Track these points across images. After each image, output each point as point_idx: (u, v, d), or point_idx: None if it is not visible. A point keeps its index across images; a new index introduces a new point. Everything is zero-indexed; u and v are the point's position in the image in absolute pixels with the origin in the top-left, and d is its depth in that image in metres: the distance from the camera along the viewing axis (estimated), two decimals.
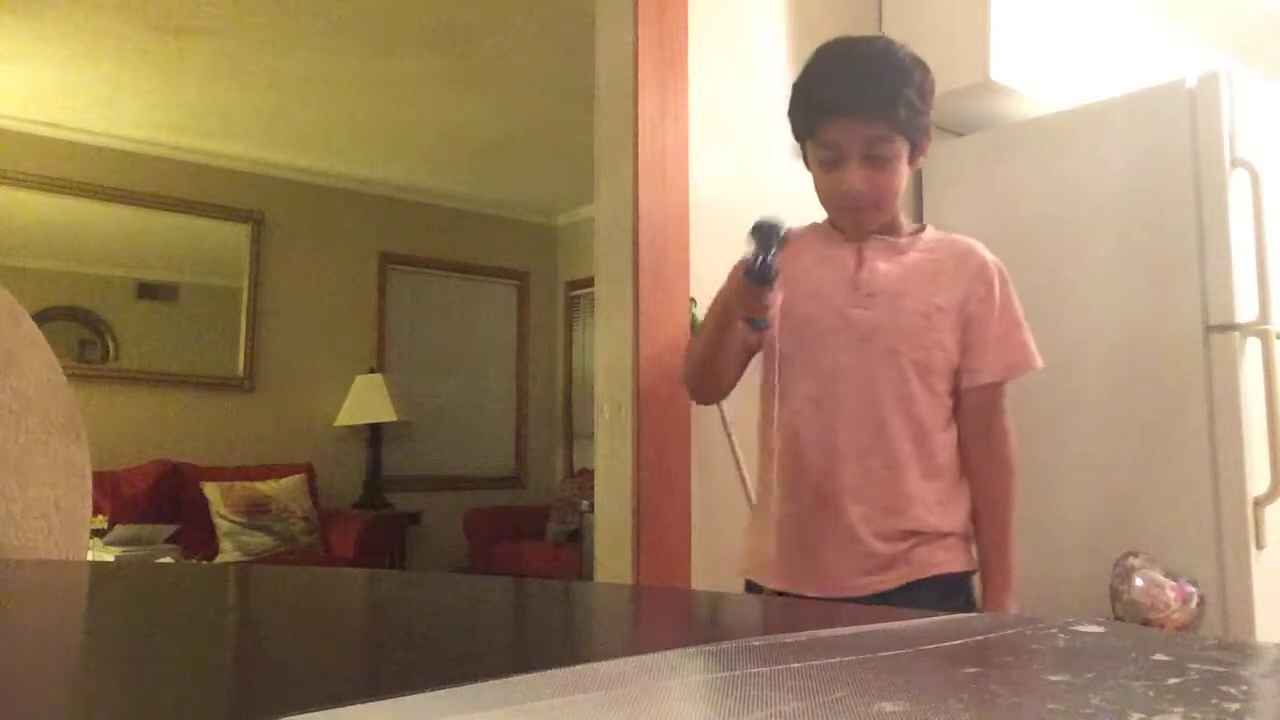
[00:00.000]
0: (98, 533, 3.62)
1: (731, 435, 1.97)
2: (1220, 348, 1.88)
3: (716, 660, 0.33)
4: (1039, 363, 1.39)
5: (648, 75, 1.96)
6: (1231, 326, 1.87)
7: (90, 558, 0.90)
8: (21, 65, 3.96)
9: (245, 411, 5.09)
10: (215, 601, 0.60)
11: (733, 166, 2.10)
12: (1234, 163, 1.90)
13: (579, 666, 0.31)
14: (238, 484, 4.62)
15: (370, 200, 5.61)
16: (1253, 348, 1.88)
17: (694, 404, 1.95)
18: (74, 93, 4.23)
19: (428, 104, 4.43)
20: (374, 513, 5.07)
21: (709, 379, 1.47)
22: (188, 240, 5.01)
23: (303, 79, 4.14)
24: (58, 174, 4.59)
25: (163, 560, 3.55)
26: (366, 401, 5.24)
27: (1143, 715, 0.25)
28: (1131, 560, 1.85)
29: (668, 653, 0.34)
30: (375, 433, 5.34)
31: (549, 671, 0.30)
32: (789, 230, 1.23)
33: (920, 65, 1.33)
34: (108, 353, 4.77)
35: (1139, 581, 1.81)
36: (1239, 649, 0.37)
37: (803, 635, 0.37)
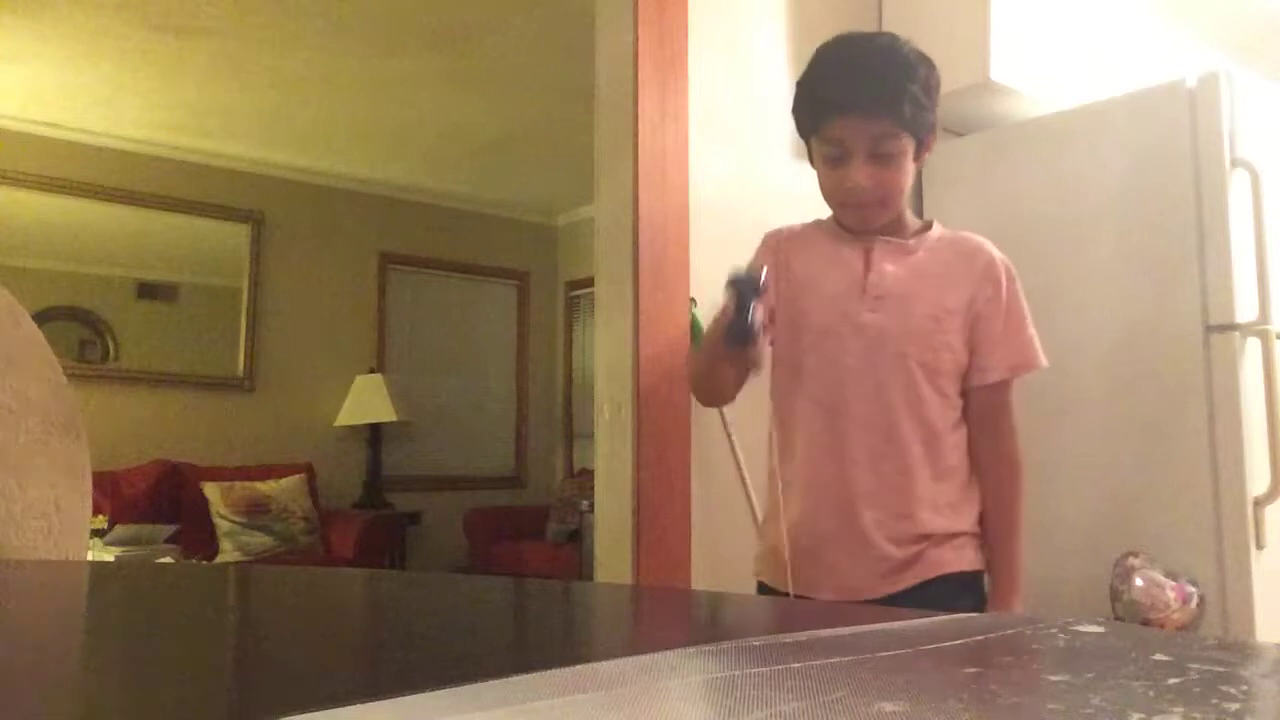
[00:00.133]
0: (98, 533, 3.62)
1: (732, 435, 1.97)
2: (1220, 348, 1.88)
3: (716, 660, 0.33)
4: (1043, 361, 1.38)
5: (648, 75, 1.95)
6: (1231, 326, 1.87)
7: (90, 558, 0.90)
8: (21, 65, 3.96)
9: (245, 411, 5.09)
10: (215, 601, 0.60)
11: (733, 166, 2.10)
12: (1234, 163, 1.90)
13: (579, 666, 0.31)
14: (238, 484, 4.62)
15: (370, 200, 5.61)
16: (1253, 348, 1.88)
17: (694, 404, 1.95)
18: (74, 93, 4.23)
19: (428, 104, 4.43)
20: (374, 513, 5.07)
21: (712, 392, 1.48)
22: (188, 240, 5.01)
23: (303, 79, 4.14)
24: (58, 174, 4.59)
25: (163, 560, 3.55)
26: (366, 401, 5.24)
27: (1143, 715, 0.25)
28: (1131, 560, 1.85)
29: (668, 653, 0.34)
30: (375, 433, 5.34)
31: (549, 671, 0.30)
32: (766, 282, 1.19)
33: (925, 61, 1.33)
34: (108, 353, 4.77)
35: (1139, 581, 1.81)
36: (1239, 649, 0.37)
37: (803, 635, 0.37)
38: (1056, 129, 2.20)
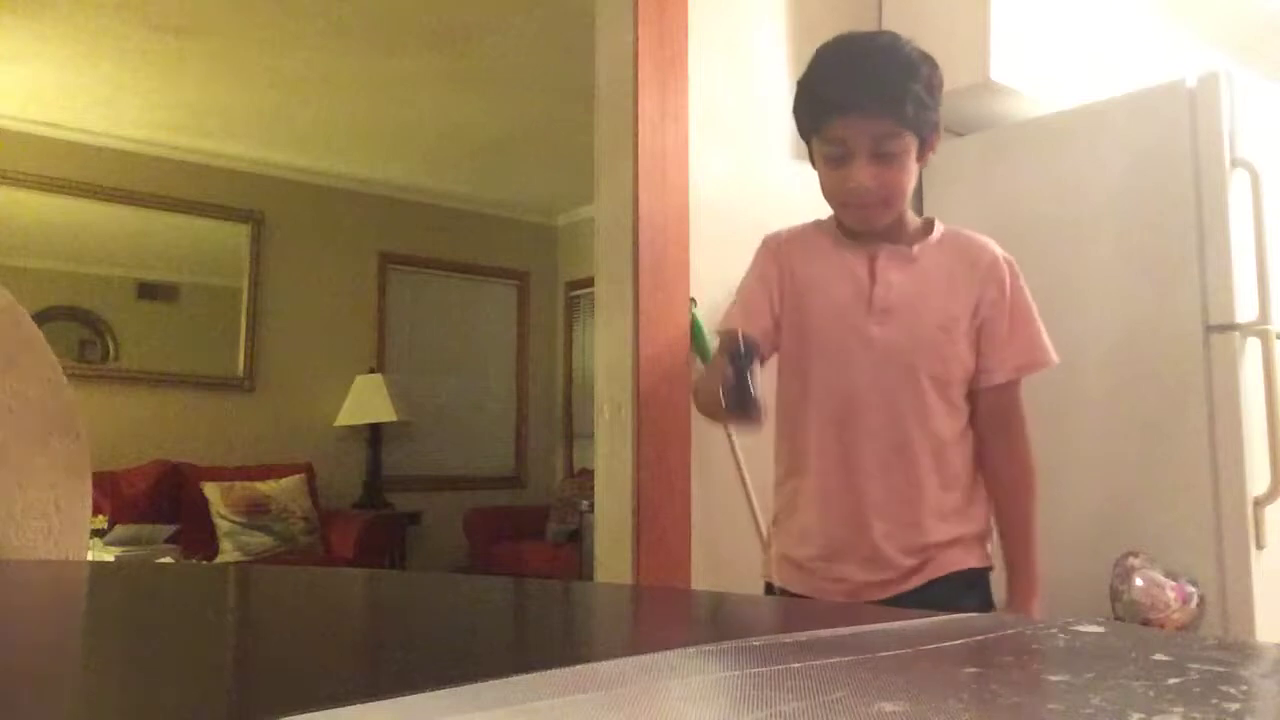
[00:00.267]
0: (98, 533, 3.62)
1: (732, 437, 1.97)
2: (1220, 348, 1.88)
3: (716, 660, 0.33)
4: (1054, 359, 1.37)
5: (648, 75, 1.95)
6: (1231, 326, 1.87)
7: (90, 558, 0.90)
8: (21, 65, 3.96)
9: (245, 411, 5.09)
10: (215, 601, 0.60)
11: (733, 166, 2.10)
12: (1234, 163, 1.90)
13: (579, 666, 0.31)
14: (238, 484, 4.62)
15: (370, 200, 5.61)
16: (1253, 348, 1.88)
17: (693, 405, 1.95)
18: (74, 93, 4.23)
19: (428, 104, 4.43)
20: (374, 513, 5.07)
21: (714, 421, 1.50)
22: (188, 240, 5.01)
23: (303, 79, 4.14)
24: (58, 174, 4.59)
25: (163, 560, 3.55)
26: (366, 401, 5.24)
27: (1143, 715, 0.25)
28: (1131, 560, 1.85)
29: (668, 653, 0.34)
30: (375, 433, 5.33)
31: (549, 671, 0.30)
32: (761, 352, 1.20)
33: (928, 60, 1.31)
34: (108, 353, 4.77)
35: (1139, 581, 1.81)
36: (1239, 649, 0.37)
37: (803, 635, 0.37)
38: (1056, 129, 2.20)
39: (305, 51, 3.89)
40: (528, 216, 6.22)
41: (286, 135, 4.83)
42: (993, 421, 1.38)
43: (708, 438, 1.97)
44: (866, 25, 2.42)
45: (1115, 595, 1.84)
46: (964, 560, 1.34)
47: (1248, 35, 3.09)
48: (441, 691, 0.28)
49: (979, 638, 0.38)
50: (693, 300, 1.97)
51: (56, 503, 0.82)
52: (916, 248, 1.37)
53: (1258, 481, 1.84)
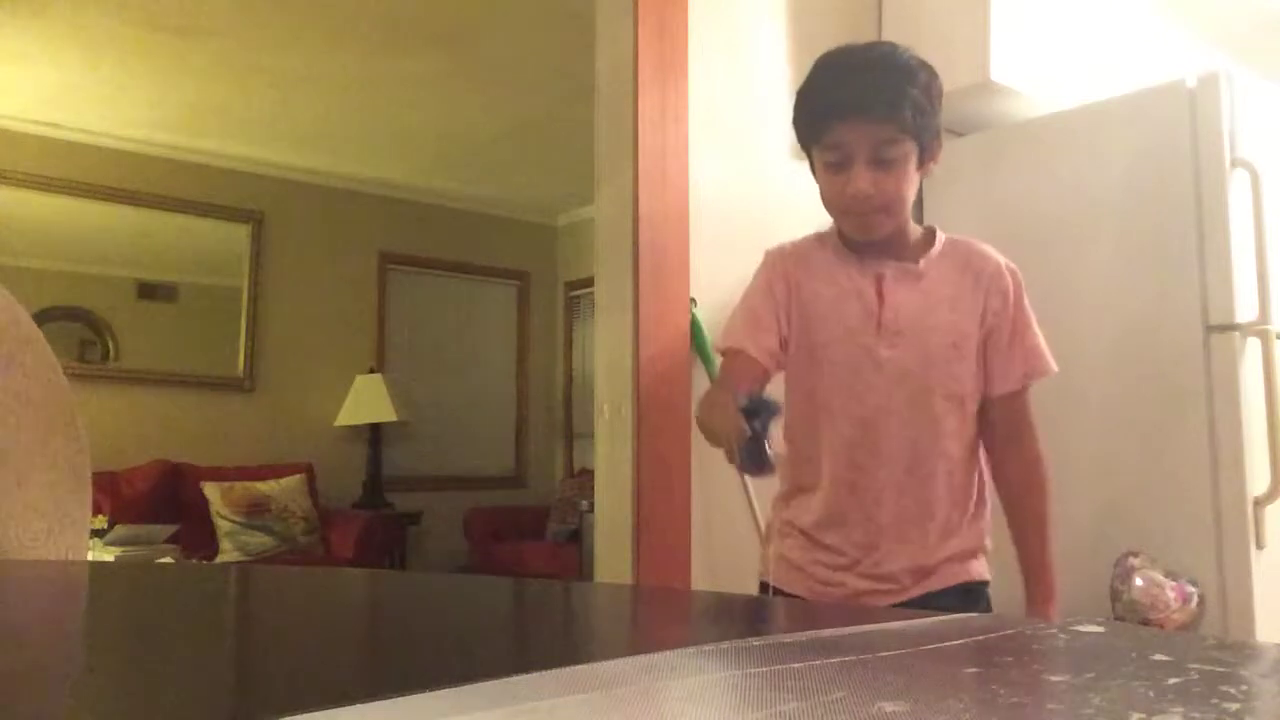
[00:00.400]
0: (98, 533, 3.62)
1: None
2: (1220, 348, 1.88)
3: (716, 660, 0.33)
4: (1053, 367, 1.37)
5: (648, 75, 1.95)
6: (1231, 326, 1.87)
7: (90, 558, 0.90)
8: (21, 65, 3.96)
9: (245, 411, 5.09)
10: (215, 601, 0.60)
11: (733, 166, 2.10)
12: (1234, 163, 1.90)
13: (579, 666, 0.31)
14: (238, 484, 4.62)
15: (370, 200, 5.61)
16: (1253, 348, 1.88)
17: (694, 405, 1.95)
18: (74, 93, 4.23)
19: (428, 104, 4.43)
20: (374, 513, 5.07)
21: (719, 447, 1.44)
22: (188, 240, 5.00)
23: (303, 79, 4.14)
24: (58, 174, 4.58)
25: (163, 560, 3.55)
26: (366, 401, 5.24)
27: (1143, 715, 0.25)
28: (1131, 560, 1.86)
29: (668, 653, 0.34)
30: (375, 433, 5.33)
31: (549, 671, 0.30)
32: (779, 406, 1.16)
33: (926, 68, 1.31)
34: (108, 353, 4.77)
35: (1139, 581, 1.81)
36: (1239, 649, 0.37)
37: (803, 635, 0.37)
38: (1056, 129, 2.20)
39: (305, 51, 3.89)
40: (528, 216, 6.22)
41: (286, 135, 4.83)
42: (1004, 430, 1.37)
43: None
44: (866, 25, 2.42)
45: (1115, 595, 1.84)
46: (963, 573, 1.34)
47: (1248, 35, 3.09)
48: (441, 691, 0.28)
49: (979, 638, 0.38)
50: (693, 300, 1.97)
51: (56, 502, 0.82)
52: (922, 263, 1.36)
53: (1258, 481, 1.84)
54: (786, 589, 1.41)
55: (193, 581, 0.72)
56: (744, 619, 0.56)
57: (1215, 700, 0.27)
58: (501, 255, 6.12)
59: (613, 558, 1.90)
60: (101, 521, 3.73)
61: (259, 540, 4.52)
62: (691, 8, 2.06)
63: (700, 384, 1.97)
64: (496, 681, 0.28)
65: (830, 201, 1.35)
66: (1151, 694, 0.27)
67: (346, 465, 5.31)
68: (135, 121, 4.58)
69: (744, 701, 0.27)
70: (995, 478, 1.39)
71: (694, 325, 1.96)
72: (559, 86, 4.07)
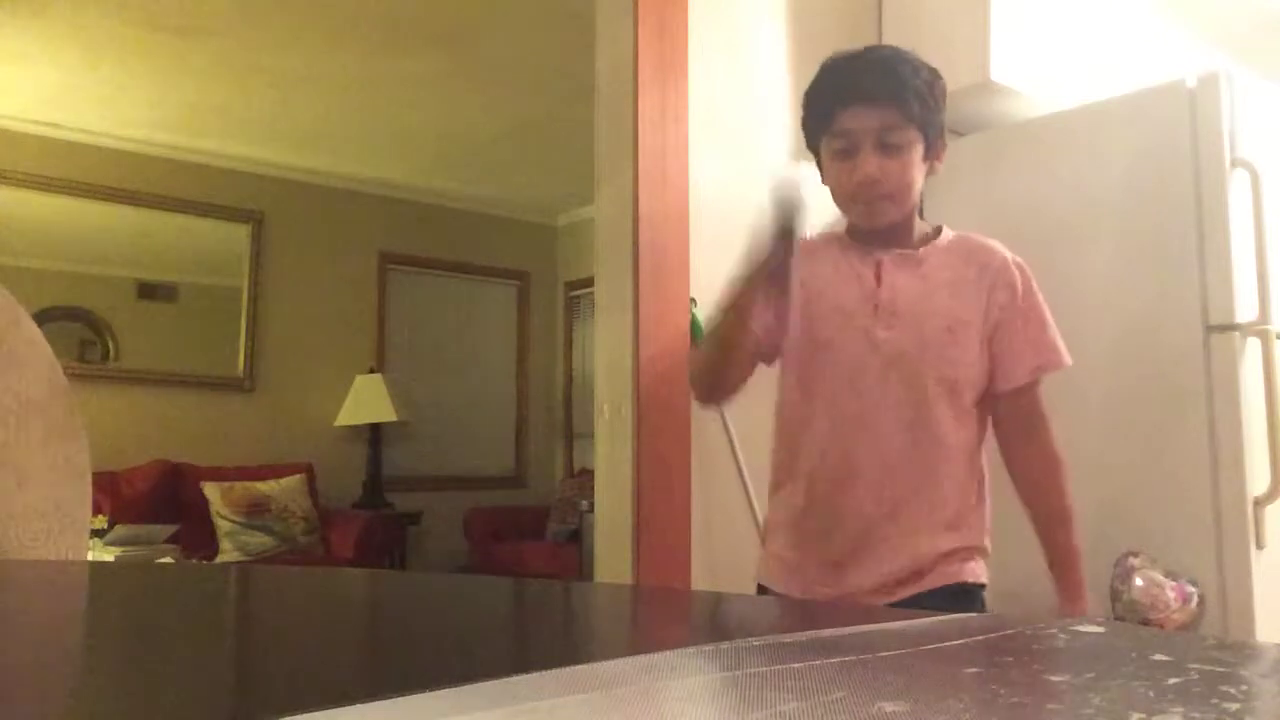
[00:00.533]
0: (98, 533, 3.62)
1: (732, 435, 1.97)
2: (1220, 348, 1.88)
3: (716, 660, 0.33)
4: (1067, 360, 1.37)
5: (648, 75, 1.96)
6: (1231, 326, 1.87)
7: (90, 558, 0.90)
8: (21, 65, 3.96)
9: (245, 411, 5.09)
10: (215, 601, 0.60)
11: (733, 166, 2.10)
12: (1234, 163, 1.90)
13: (579, 666, 0.31)
14: (238, 484, 4.62)
15: (370, 200, 5.61)
16: (1253, 348, 1.88)
17: (695, 404, 1.95)
18: (74, 93, 4.23)
19: (428, 104, 4.43)
20: (374, 513, 5.07)
21: (718, 378, 1.43)
22: (188, 240, 5.00)
23: (303, 79, 4.14)
24: (58, 174, 4.58)
25: (163, 560, 3.55)
26: (366, 401, 5.24)
27: (1143, 715, 0.25)
28: (1131, 560, 1.86)
29: (668, 653, 0.34)
30: (375, 433, 5.33)
31: (549, 671, 0.30)
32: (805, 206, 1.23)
33: (930, 69, 1.34)
34: (108, 353, 4.77)
35: (1139, 581, 1.81)
36: (1239, 649, 0.37)
37: (803, 635, 0.37)
38: (1056, 129, 2.20)
39: (305, 51, 3.89)
40: (528, 216, 6.22)
41: (286, 135, 4.83)
42: (1015, 425, 1.37)
43: (708, 438, 1.97)
44: (866, 25, 2.42)
45: (1115, 595, 1.84)
46: (957, 574, 1.33)
47: (1248, 35, 3.09)
48: (441, 691, 0.28)
49: (979, 638, 0.38)
50: (693, 300, 1.97)
51: (56, 503, 0.82)
52: (923, 250, 1.37)
53: (1258, 481, 1.84)
54: (777, 588, 1.41)
55: (193, 581, 0.72)
56: (744, 619, 0.56)
57: (1215, 700, 0.27)
58: (501, 255, 6.12)
59: (613, 558, 1.90)
60: (101, 521, 3.73)
61: (259, 540, 4.52)
62: (691, 8, 2.06)
63: None
64: (496, 681, 0.28)
65: (838, 190, 1.37)
66: (1151, 694, 0.27)
67: (346, 465, 5.31)
68: (135, 121, 4.58)
69: (744, 701, 0.27)
70: (1013, 475, 1.38)
71: (694, 325, 1.96)
72: (559, 86, 4.07)
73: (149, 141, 4.81)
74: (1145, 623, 1.78)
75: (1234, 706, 0.26)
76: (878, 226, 1.37)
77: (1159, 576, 1.81)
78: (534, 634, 0.51)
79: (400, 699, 0.27)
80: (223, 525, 4.49)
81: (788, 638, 0.36)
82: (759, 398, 1.49)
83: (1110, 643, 0.36)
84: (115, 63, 3.95)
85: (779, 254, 1.26)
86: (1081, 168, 2.12)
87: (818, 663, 0.31)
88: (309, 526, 4.75)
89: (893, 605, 1.31)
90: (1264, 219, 1.89)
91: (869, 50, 1.38)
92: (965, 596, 1.34)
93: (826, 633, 0.38)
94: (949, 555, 1.33)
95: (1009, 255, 1.39)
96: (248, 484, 4.64)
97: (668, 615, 0.57)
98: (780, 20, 2.25)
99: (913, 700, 0.27)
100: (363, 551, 4.70)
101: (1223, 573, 1.83)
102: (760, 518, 1.96)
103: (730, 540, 1.97)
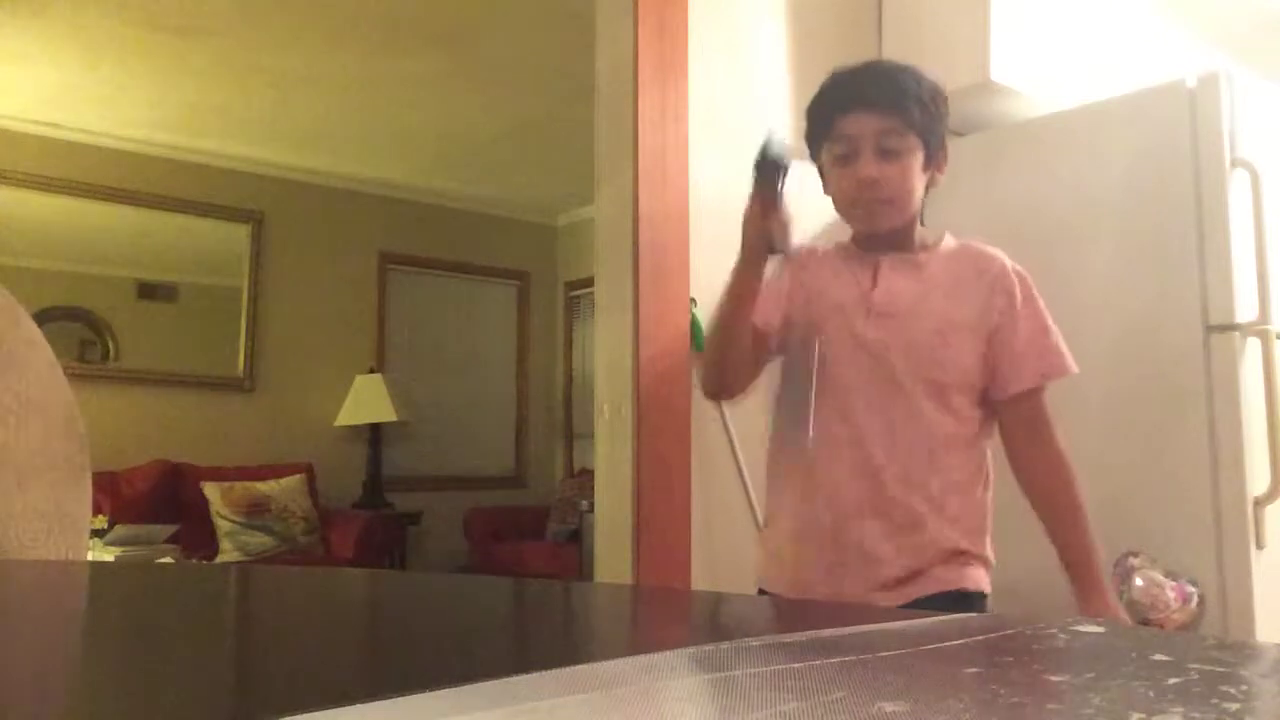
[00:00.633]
0: (98, 533, 3.62)
1: (732, 435, 1.97)
2: (1220, 348, 1.88)
3: (716, 660, 0.33)
4: (1073, 367, 1.37)
5: (648, 75, 1.95)
6: (1231, 326, 1.87)
7: (90, 558, 0.90)
8: (21, 65, 3.96)
9: (245, 411, 5.09)
10: (215, 601, 0.60)
11: (733, 166, 2.10)
12: (1234, 163, 1.90)
13: (579, 666, 0.31)
14: (238, 484, 4.62)
15: (370, 200, 5.61)
16: (1253, 348, 1.87)
17: (694, 404, 1.95)
18: (74, 93, 4.23)
19: (428, 104, 4.43)
20: (374, 513, 5.07)
21: (722, 371, 1.43)
22: (188, 240, 5.00)
23: (303, 79, 4.14)
24: (58, 174, 4.58)
25: (163, 560, 3.55)
26: (366, 401, 5.24)
27: (1143, 715, 0.25)
28: (1131, 560, 1.85)
29: (668, 653, 0.34)
30: (375, 433, 5.33)
31: (549, 671, 0.30)
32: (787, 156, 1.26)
33: (932, 81, 1.36)
34: (108, 353, 4.77)
35: (1139, 581, 1.81)
36: (1239, 649, 0.37)
37: (803, 635, 0.37)
38: (1056, 129, 2.20)
39: (305, 51, 3.89)
40: (528, 216, 6.22)
41: (286, 135, 4.83)
42: (1019, 431, 1.38)
43: (708, 438, 1.97)
44: (866, 26, 2.42)
45: (1115, 595, 1.84)
46: (957, 580, 1.32)
47: (1248, 35, 3.09)
48: (441, 691, 0.28)
49: (979, 638, 0.38)
50: (693, 300, 1.97)
51: (56, 503, 0.82)
52: (923, 255, 1.38)
53: (1258, 481, 1.84)
54: (776, 589, 1.41)
55: (193, 581, 0.72)
56: (744, 619, 0.56)
57: (1215, 700, 0.27)
58: (501, 255, 6.12)
59: (613, 558, 1.90)
60: (101, 521, 3.73)
61: (259, 540, 4.52)
62: (691, 8, 2.06)
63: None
64: (496, 681, 0.28)
65: (839, 196, 1.38)
66: (1151, 694, 0.27)
67: (346, 465, 5.31)
68: (135, 121, 4.58)
69: (744, 701, 0.27)
70: (1021, 481, 1.37)
71: (694, 325, 1.96)
72: (559, 86, 4.07)
73: (149, 141, 4.81)
74: (1145, 623, 1.78)
75: (1234, 706, 0.26)
76: (878, 231, 1.38)
77: (1159, 576, 1.81)
78: (534, 634, 0.51)
79: (400, 699, 0.27)
80: (223, 525, 4.49)
81: (788, 638, 0.36)
82: (759, 398, 1.49)
83: (1110, 643, 0.36)
84: (115, 63, 3.95)
85: (767, 214, 1.27)
86: (1081, 168, 2.12)
87: (818, 663, 0.31)
88: (309, 526, 4.75)
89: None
90: (1264, 219, 1.89)
91: (871, 63, 1.42)
92: (965, 604, 1.33)
93: (826, 633, 0.38)
94: (948, 557, 1.33)
95: (1009, 263, 1.39)
96: (248, 484, 4.64)
97: (668, 615, 0.57)
98: (780, 20, 2.25)
99: (913, 700, 0.27)
100: (363, 551, 4.70)
101: (1223, 573, 1.83)
102: (760, 518, 1.96)
103: (730, 540, 1.97)
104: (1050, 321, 1.38)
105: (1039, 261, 2.11)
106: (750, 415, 1.92)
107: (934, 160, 1.36)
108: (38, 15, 3.52)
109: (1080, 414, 2.05)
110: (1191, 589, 1.81)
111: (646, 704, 0.28)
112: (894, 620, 0.42)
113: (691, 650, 0.34)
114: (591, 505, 2.08)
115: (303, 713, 0.25)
